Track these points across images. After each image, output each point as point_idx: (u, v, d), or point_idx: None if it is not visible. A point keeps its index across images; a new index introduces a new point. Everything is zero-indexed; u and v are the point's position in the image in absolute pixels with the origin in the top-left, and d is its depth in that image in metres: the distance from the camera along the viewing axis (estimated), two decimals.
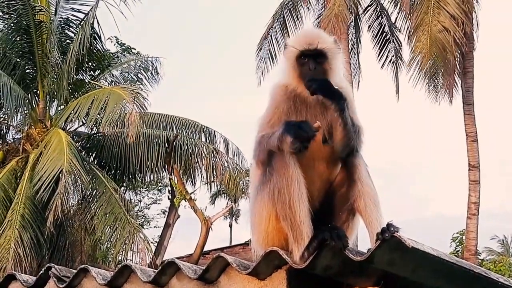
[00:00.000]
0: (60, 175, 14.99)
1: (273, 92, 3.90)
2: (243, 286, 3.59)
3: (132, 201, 24.82)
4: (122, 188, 19.27)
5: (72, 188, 16.23)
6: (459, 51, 18.43)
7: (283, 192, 3.46)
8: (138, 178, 19.76)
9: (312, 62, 3.74)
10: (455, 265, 3.44)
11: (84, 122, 18.07)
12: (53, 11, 18.56)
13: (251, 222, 3.71)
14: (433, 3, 18.01)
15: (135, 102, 16.05)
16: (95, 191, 17.05)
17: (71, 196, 16.58)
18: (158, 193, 29.75)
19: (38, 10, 17.14)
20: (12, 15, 17.74)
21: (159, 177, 20.28)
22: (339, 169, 3.77)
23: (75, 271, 4.23)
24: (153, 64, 20.12)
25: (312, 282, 3.49)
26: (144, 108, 16.99)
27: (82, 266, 4.19)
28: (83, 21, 18.28)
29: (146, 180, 21.10)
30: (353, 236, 3.74)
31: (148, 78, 20.07)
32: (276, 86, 3.91)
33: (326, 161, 3.70)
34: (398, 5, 20.31)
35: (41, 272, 4.31)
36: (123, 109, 16.43)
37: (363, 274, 3.52)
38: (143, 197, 29.84)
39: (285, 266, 3.47)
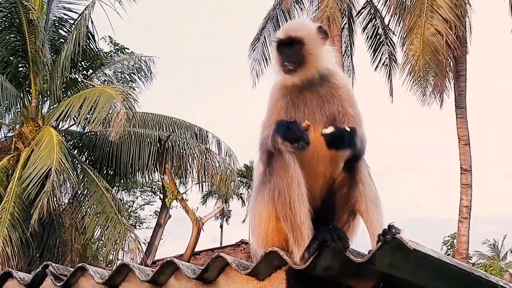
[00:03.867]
0: (49, 173, 14.92)
1: (272, 90, 3.91)
2: (242, 286, 3.56)
3: (125, 201, 24.74)
4: (115, 188, 19.17)
5: (62, 187, 16.16)
6: (451, 55, 18.47)
7: (283, 192, 3.44)
8: (130, 178, 19.68)
9: (287, 49, 3.78)
10: (456, 267, 3.44)
11: (75, 121, 18.02)
12: (47, 10, 18.46)
13: (251, 222, 3.69)
14: (426, 7, 18.03)
15: (124, 101, 16.02)
16: (86, 190, 17.00)
17: (62, 195, 16.51)
18: (152, 195, 29.65)
19: (30, 8, 17.04)
20: (4, 13, 17.63)
21: (151, 177, 20.22)
22: (341, 169, 3.73)
23: (72, 269, 4.20)
24: (146, 63, 20.07)
25: (311, 283, 3.47)
26: (134, 108, 16.92)
27: (80, 264, 4.15)
28: (77, 21, 18.20)
29: (138, 180, 21.02)
30: (354, 237, 3.73)
31: (142, 77, 20.03)
32: (274, 84, 3.92)
33: (329, 158, 3.65)
34: (391, 8, 20.34)
35: (38, 270, 4.28)
36: (113, 108, 16.40)
37: (363, 276, 3.51)
38: (136, 197, 29.75)
39: (284, 267, 3.44)
